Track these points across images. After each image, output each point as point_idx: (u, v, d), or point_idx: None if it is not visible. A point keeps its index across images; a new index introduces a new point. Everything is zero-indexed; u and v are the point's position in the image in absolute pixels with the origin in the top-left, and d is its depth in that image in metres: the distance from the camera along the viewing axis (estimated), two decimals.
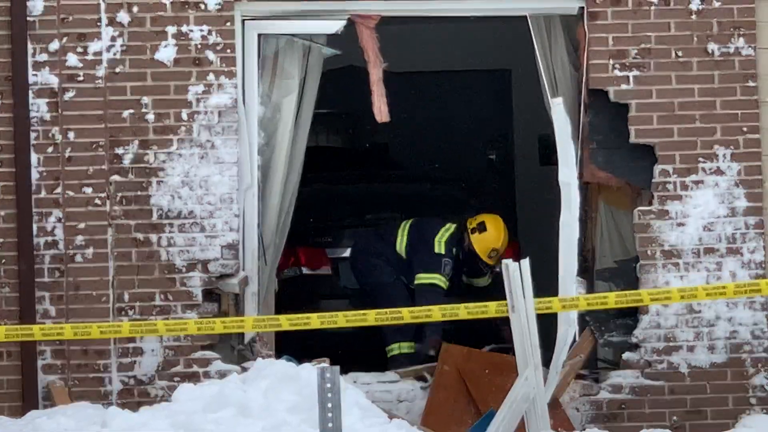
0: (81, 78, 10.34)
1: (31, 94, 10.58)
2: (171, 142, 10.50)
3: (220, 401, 8.46)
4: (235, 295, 10.67)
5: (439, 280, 12.07)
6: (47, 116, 10.28)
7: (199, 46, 10.54)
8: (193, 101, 10.48)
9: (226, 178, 10.57)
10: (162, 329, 9.46)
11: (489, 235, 12.47)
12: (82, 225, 10.24)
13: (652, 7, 10.71)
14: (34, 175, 10.14)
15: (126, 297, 10.33)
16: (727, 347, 10.64)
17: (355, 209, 14.11)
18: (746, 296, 10.22)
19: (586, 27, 10.89)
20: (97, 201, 10.30)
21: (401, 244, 12.62)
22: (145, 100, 10.32)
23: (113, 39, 10.39)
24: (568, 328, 9.58)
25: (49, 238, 10.30)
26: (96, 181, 10.24)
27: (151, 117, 10.37)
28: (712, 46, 10.60)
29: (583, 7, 10.94)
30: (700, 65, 10.57)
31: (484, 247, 12.36)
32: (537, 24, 11.12)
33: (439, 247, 12.38)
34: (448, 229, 12.51)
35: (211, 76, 10.50)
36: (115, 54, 10.35)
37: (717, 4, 10.71)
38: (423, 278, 12.22)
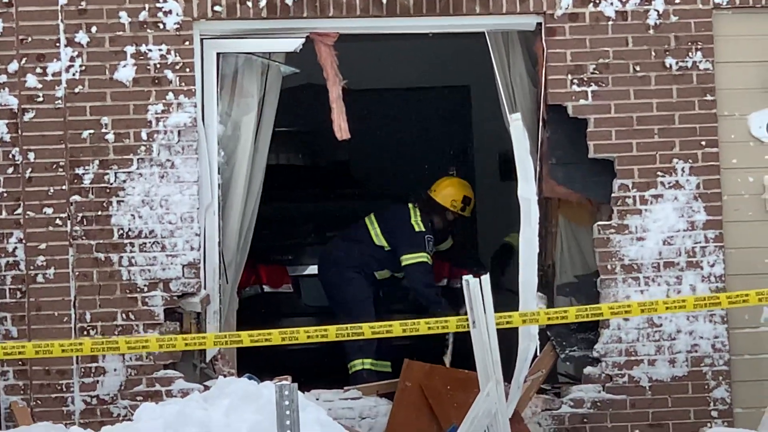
0: (40, 98, 10.63)
1: None
2: (131, 162, 10.79)
3: (181, 420, 8.44)
4: (197, 314, 10.94)
5: (424, 257, 12.69)
6: (7, 137, 10.55)
7: (158, 66, 10.85)
8: (153, 120, 10.80)
9: (186, 197, 10.83)
10: (123, 347, 9.76)
11: (447, 187, 13.19)
12: (43, 245, 10.54)
13: (610, 22, 11.15)
14: None
15: (88, 317, 10.61)
16: (688, 360, 11.04)
17: (316, 227, 14.40)
18: (706, 309, 10.70)
19: (544, 42, 11.22)
20: (58, 221, 10.63)
21: (378, 236, 13.14)
22: (105, 120, 10.61)
23: (72, 59, 10.70)
24: (529, 343, 9.98)
25: (11, 259, 10.65)
26: (56, 201, 10.56)
27: (111, 137, 10.65)
28: (669, 61, 10.99)
29: (540, 23, 11.33)
30: (658, 79, 10.89)
31: (446, 198, 13.08)
32: (495, 40, 11.45)
33: (418, 226, 12.93)
34: (414, 209, 13.09)
35: (170, 96, 10.79)
36: (74, 74, 10.66)
37: (674, 19, 11.13)
38: (409, 258, 12.73)
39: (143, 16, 10.92)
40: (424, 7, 11.26)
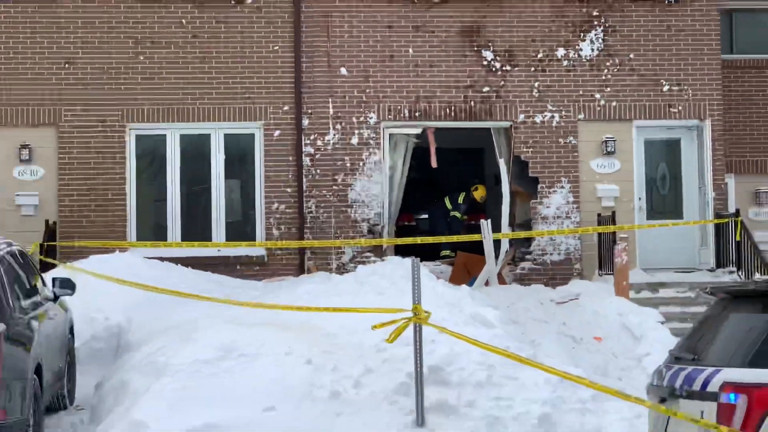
0: (321, 149, 20.59)
1: None
2: (357, 174, 20.17)
3: (375, 271, 15.64)
4: (380, 233, 20.44)
5: (458, 214, 22.19)
6: (309, 164, 21.53)
7: (368, 137, 20.28)
8: (365, 158, 20.15)
9: (377, 187, 20.23)
10: (350, 243, 19.32)
11: (479, 192, 22.46)
12: (322, 206, 21.18)
13: (537, 124, 21.12)
14: None
15: (338, 232, 20.18)
16: (565, 252, 20.73)
17: (425, 202, 23.42)
18: (575, 234, 20.34)
19: (512, 132, 20.81)
20: (331, 197, 20.97)
21: (448, 205, 22.69)
22: (346, 158, 20.30)
23: (334, 134, 19.92)
24: (506, 246, 20.35)
25: (309, 211, 21.22)
26: (327, 189, 20.66)
27: (347, 164, 20.20)
28: (562, 140, 21.01)
29: (511, 125, 21.07)
30: (558, 149, 20.82)
31: (478, 196, 22.36)
32: (497, 132, 21.16)
33: (454, 204, 22.54)
34: (460, 194, 22.55)
35: (372, 149, 20.29)
36: (335, 140, 19.97)
37: (563, 123, 21.13)
38: (454, 213, 22.17)
39: (364, 119, 20.49)
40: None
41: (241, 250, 19.83)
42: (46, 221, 19.38)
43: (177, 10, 20.32)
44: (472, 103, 20.82)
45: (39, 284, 13.26)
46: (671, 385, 7.68)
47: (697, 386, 7.30)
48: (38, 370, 11.63)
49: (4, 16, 20.16)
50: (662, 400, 7.79)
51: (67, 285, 13.66)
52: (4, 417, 10.45)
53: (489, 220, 20.29)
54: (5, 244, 12.57)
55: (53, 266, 15.32)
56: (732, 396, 6.90)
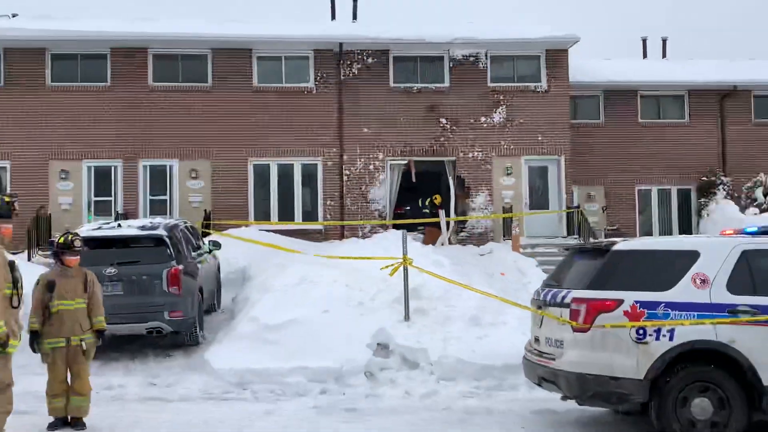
0: (342, 169, 23.91)
1: None
2: (373, 184, 20.13)
3: (384, 237, 15.51)
4: (384, 217, 20.15)
5: (427, 209, 19.89)
6: (338, 183, 23.36)
7: (378, 167, 20.21)
8: (377, 176, 20.02)
9: (383, 192, 20.11)
10: (368, 223, 22.71)
11: (437, 199, 20.03)
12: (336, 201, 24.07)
13: (471, 158, 20.69)
14: None
15: (359, 216, 21.83)
16: (489, 227, 20.29)
17: (410, 199, 21.17)
18: (497, 216, 20.27)
19: (456, 163, 20.75)
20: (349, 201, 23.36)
21: (421, 203, 20.56)
22: (363, 182, 20.88)
23: (360, 165, 21.09)
24: (452, 224, 19.67)
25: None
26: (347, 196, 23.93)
27: (363, 186, 20.74)
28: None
29: (456, 159, 21.08)
30: (483, 175, 20.84)
31: (437, 201, 19.90)
32: (449, 162, 22.50)
33: (423, 204, 20.23)
34: (427, 198, 20.25)
35: (380, 172, 20.16)
36: (358, 167, 20.58)
37: (480, 157, 21.63)
38: (424, 209, 20.03)
39: (375, 156, 20.45)
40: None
41: (310, 226, 19.86)
42: (205, 210, 19.42)
43: (276, 97, 20.52)
44: (435, 147, 20.77)
45: (201, 243, 13.76)
46: (544, 299, 7.57)
47: (558, 300, 7.26)
48: (201, 290, 11.79)
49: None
50: (539, 307, 7.70)
51: (216, 244, 14.12)
52: (182, 315, 11.01)
53: (443, 210, 20.00)
54: (182, 221, 13.15)
55: (208, 234, 15.67)
56: (578, 304, 6.93)
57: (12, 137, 19.24)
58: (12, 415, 6.21)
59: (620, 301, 6.75)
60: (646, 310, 6.70)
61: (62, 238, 7.61)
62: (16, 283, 6.06)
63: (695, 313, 6.62)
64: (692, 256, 6.89)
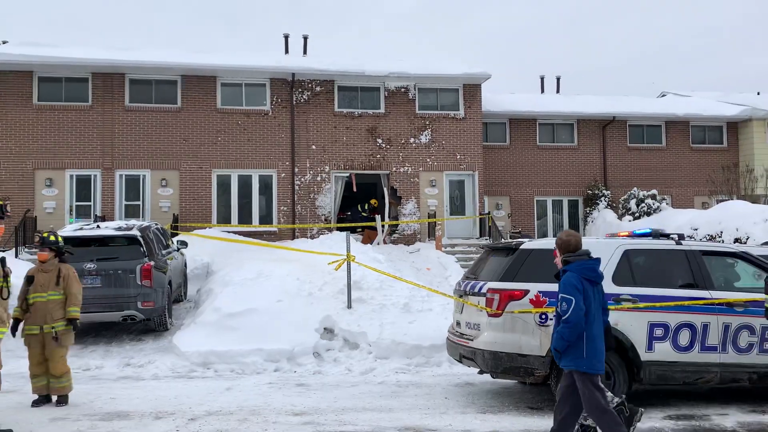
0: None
1: None
2: (320, 193, 22.02)
3: (328, 238, 15.86)
4: (329, 221, 21.75)
5: (365, 213, 19.97)
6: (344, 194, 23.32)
7: (324, 177, 19.84)
8: (323, 187, 20.84)
9: (329, 200, 19.67)
10: (315, 226, 22.16)
11: (373, 202, 20.46)
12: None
13: (410, 171, 21.59)
14: None
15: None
16: (414, 228, 21.00)
17: (349, 206, 20.84)
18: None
19: (390, 177, 20.68)
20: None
21: (360, 209, 20.46)
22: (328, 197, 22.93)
23: (309, 176, 22.81)
24: (386, 227, 19.31)
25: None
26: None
27: (315, 194, 22.91)
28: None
29: (390, 173, 21.26)
30: (414, 185, 22.49)
31: (374, 204, 20.31)
32: (384, 177, 23.38)
33: (363, 209, 20.31)
34: (365, 203, 20.53)
35: (326, 183, 19.40)
36: (311, 177, 23.27)
37: (411, 172, 22.40)
38: (362, 213, 20.04)
39: (322, 169, 19.77)
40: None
41: (265, 228, 19.44)
42: (174, 214, 19.05)
43: (237, 117, 20.14)
44: (372, 162, 20.55)
45: (170, 243, 13.35)
46: (464, 289, 7.49)
47: (476, 290, 7.20)
48: (170, 283, 11.47)
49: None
50: (460, 296, 7.64)
51: (183, 243, 13.75)
52: (153, 305, 10.65)
53: (379, 215, 19.87)
54: (154, 223, 12.70)
55: (176, 235, 15.23)
56: (492, 294, 6.88)
57: (2, 149, 18.35)
58: (0, 394, 6.04)
59: (526, 291, 6.77)
60: (547, 299, 6.72)
61: (36, 237, 7.20)
62: (5, 277, 5.72)
63: None
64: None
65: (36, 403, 7.02)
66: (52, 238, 7.13)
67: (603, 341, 4.98)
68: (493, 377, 7.18)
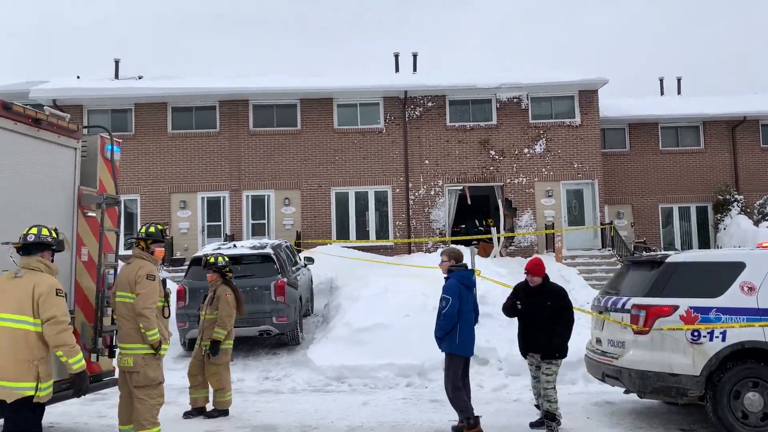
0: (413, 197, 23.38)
1: None
2: (434, 207, 22.97)
3: None
4: (444, 234, 20.50)
5: (482, 227, 20.11)
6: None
7: (437, 192, 20.45)
8: (437, 201, 20.38)
9: (443, 213, 21.78)
10: (431, 240, 22.12)
11: (490, 221, 20.62)
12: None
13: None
14: None
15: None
16: (531, 239, 20.81)
17: (463, 219, 21.09)
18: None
19: (393, 195, 23.58)
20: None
21: (477, 222, 20.72)
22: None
23: (423, 190, 21.65)
24: (503, 239, 21.26)
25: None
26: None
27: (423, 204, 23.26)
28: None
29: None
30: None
31: (490, 222, 20.59)
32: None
33: (482, 223, 21.10)
34: (481, 219, 20.92)
35: (440, 197, 20.30)
36: (421, 192, 22.88)
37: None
38: (479, 227, 20.40)
39: (435, 183, 19.51)
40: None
41: (381, 243, 19.55)
42: (296, 231, 19.69)
43: (353, 136, 20.55)
44: (485, 174, 20.30)
45: (298, 260, 13.78)
46: (605, 305, 7.16)
47: (619, 306, 6.85)
48: (300, 298, 11.88)
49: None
50: (600, 312, 7.30)
51: (309, 260, 14.15)
52: (287, 320, 10.98)
53: (495, 227, 19.62)
54: (283, 241, 13.15)
55: (300, 251, 15.64)
56: (637, 310, 6.55)
57: (141, 175, 19.80)
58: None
59: (676, 307, 6.37)
60: (699, 315, 6.30)
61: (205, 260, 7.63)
62: (166, 297, 6.03)
63: (744, 317, 6.22)
64: (739, 266, 6.46)
65: (186, 415, 7.36)
66: (212, 260, 7.51)
67: (472, 332, 6.30)
68: (641, 397, 6.78)
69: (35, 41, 56.39)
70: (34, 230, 4.71)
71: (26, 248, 4.65)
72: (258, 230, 19.73)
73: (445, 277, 6.27)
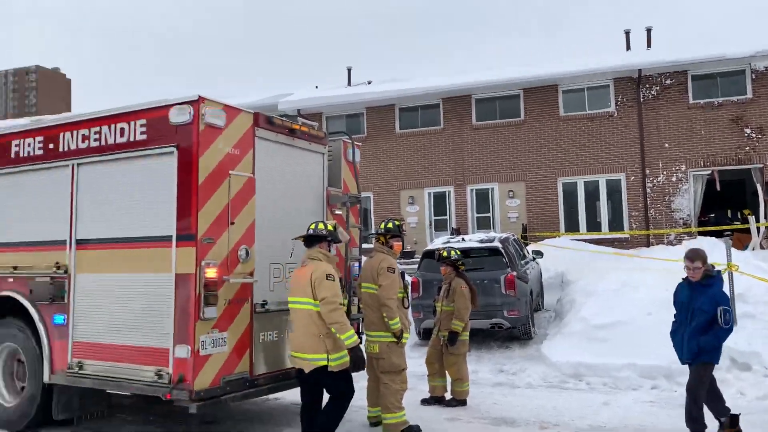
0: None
1: None
2: (676, 195, 20.02)
3: (691, 244, 17.89)
4: (689, 225, 19.15)
5: (738, 220, 18.08)
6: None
7: (679, 177, 18.81)
8: (679, 188, 19.07)
9: (687, 202, 18.71)
10: (672, 231, 20.26)
11: (747, 211, 18.14)
12: None
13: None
14: None
15: None
16: None
17: (711, 207, 19.32)
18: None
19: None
20: None
21: (729, 214, 18.76)
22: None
23: (662, 177, 21.22)
24: (762, 228, 17.50)
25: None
26: None
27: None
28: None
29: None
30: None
31: (748, 214, 18.04)
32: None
33: (737, 214, 18.59)
34: (734, 211, 18.81)
35: (683, 183, 18.73)
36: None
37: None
38: (736, 219, 18.27)
39: (677, 168, 17.86)
40: None
41: (615, 235, 18.70)
42: (522, 224, 19.54)
43: (580, 123, 19.76)
44: (739, 155, 18.22)
45: (526, 253, 13.59)
46: None
47: None
48: (531, 293, 11.57)
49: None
50: None
51: (538, 253, 13.87)
52: (518, 314, 10.87)
53: (753, 216, 17.46)
54: (511, 235, 13.06)
55: (527, 244, 15.50)
56: None
57: (373, 174, 21.05)
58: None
59: None
60: None
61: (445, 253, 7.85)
62: (405, 288, 6.35)
63: None
64: None
65: (424, 402, 7.62)
66: (445, 253, 7.78)
67: None
68: None
69: (271, 54, 62.96)
70: (312, 225, 5.60)
71: (308, 240, 5.55)
72: (483, 223, 19.90)
73: (702, 284, 5.75)
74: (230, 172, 5.56)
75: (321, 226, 5.57)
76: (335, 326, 5.19)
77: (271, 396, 7.49)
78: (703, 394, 5.71)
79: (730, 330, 5.58)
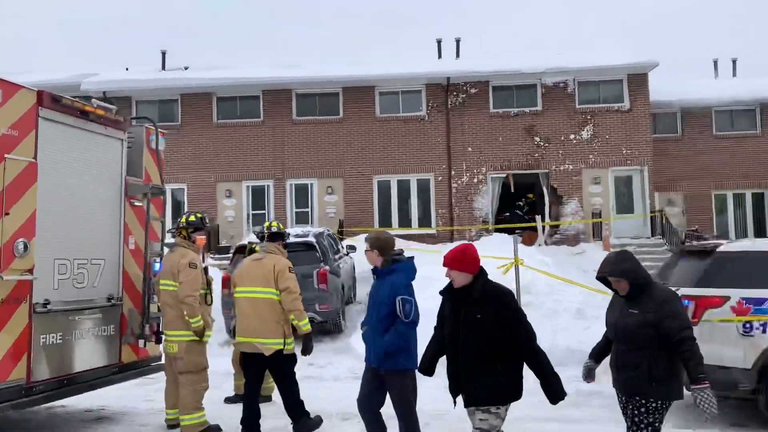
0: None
1: None
2: (477, 195, 22.79)
3: (487, 240, 17.37)
4: (488, 222, 22.17)
5: (525, 206, 20.07)
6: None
7: (480, 179, 22.20)
8: (480, 189, 22.68)
9: (486, 201, 21.59)
10: (474, 228, 21.76)
11: (531, 197, 21.61)
12: None
13: None
14: None
15: None
16: (577, 227, 21.16)
17: (506, 206, 21.32)
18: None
19: None
20: None
21: (519, 211, 20.41)
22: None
23: (466, 178, 23.03)
24: (547, 228, 21.17)
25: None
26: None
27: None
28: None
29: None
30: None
31: (531, 197, 20.59)
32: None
33: (523, 202, 20.44)
34: (524, 204, 21.10)
35: (483, 184, 21.34)
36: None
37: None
38: (520, 212, 22.25)
39: (478, 171, 18.93)
40: None
41: (424, 231, 19.63)
42: (339, 219, 19.63)
43: (395, 124, 20.20)
44: (530, 161, 19.95)
45: (340, 248, 13.81)
46: None
47: None
48: (342, 287, 11.76)
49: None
50: None
51: (352, 248, 14.14)
52: (329, 308, 11.02)
53: (539, 216, 19.32)
54: (326, 230, 13.19)
55: (343, 239, 15.68)
56: (686, 302, 6.26)
57: (187, 165, 20.13)
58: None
59: (727, 298, 6.15)
60: (752, 306, 6.06)
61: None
62: (209, 284, 6.15)
63: None
64: None
65: (228, 400, 7.45)
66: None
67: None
68: (688, 390, 6.56)
69: (86, 33, 57.99)
70: (275, 224, 6.18)
71: (271, 237, 6.07)
72: (301, 218, 19.88)
73: (378, 270, 4.70)
74: (6, 155, 5.01)
75: (275, 224, 6.18)
76: (295, 313, 5.65)
77: (57, 403, 6.81)
78: (407, 408, 4.64)
79: (415, 326, 4.57)
